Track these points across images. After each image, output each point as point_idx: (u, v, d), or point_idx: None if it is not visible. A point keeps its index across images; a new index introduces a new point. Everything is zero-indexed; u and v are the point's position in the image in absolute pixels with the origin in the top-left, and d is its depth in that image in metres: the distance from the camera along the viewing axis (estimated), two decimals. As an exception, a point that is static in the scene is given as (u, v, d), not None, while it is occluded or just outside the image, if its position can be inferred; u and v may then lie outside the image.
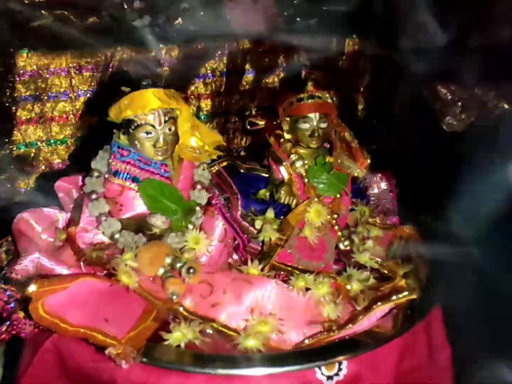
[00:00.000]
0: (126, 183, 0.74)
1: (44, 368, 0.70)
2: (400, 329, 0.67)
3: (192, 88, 1.55)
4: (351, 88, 1.77)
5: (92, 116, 1.43)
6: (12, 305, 0.70)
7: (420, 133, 1.66)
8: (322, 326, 0.68)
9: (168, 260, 0.71)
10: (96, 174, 0.76)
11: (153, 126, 0.73)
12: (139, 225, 0.74)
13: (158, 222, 0.72)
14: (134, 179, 0.74)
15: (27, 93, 1.35)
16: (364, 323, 0.66)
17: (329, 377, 0.64)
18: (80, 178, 0.83)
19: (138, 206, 0.75)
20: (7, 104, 1.34)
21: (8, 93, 1.33)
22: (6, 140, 1.35)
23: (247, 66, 1.63)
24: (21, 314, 0.66)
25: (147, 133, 0.73)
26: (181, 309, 0.68)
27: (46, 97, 1.37)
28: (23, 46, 1.33)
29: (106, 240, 0.75)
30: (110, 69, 1.43)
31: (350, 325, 0.65)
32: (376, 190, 0.96)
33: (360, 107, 1.78)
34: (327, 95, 0.84)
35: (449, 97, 1.60)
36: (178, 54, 1.50)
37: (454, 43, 1.73)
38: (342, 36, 1.73)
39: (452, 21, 1.69)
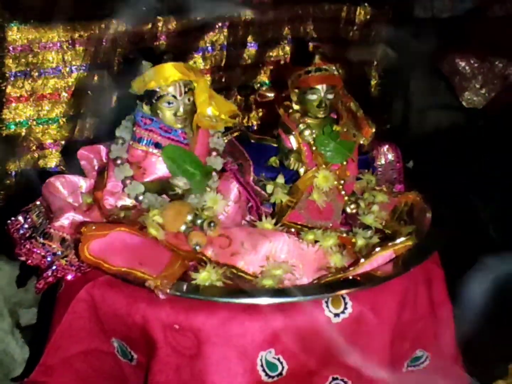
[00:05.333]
0: (149, 149, 1.07)
1: (78, 315, 1.02)
2: (398, 271, 0.99)
3: (191, 62, 1.87)
4: (363, 62, 2.10)
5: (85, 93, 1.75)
6: (49, 258, 1.02)
7: (438, 110, 2.00)
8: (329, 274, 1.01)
9: (189, 218, 1.03)
10: (120, 141, 1.08)
11: (174, 96, 1.05)
12: (161, 187, 1.07)
13: (180, 183, 1.05)
14: (157, 145, 1.07)
15: (18, 69, 1.66)
16: (366, 267, 0.99)
17: (336, 315, 0.96)
18: (101, 147, 1.16)
19: (160, 170, 1.07)
20: (-3, 81, 1.65)
21: (-3, 69, 1.65)
22: (-4, 119, 1.66)
23: (249, 39, 1.95)
24: (63, 262, 0.98)
25: (169, 103, 1.06)
26: (204, 258, 1.00)
27: (37, 73, 1.69)
28: (13, 19, 1.65)
29: (129, 203, 1.08)
30: (104, 43, 1.75)
31: (353, 267, 0.98)
32: (383, 161, 1.30)
33: (373, 82, 2.11)
34: (334, 68, 1.17)
35: (468, 70, 1.94)
36: (176, 26, 1.83)
37: (473, 11, 2.09)
38: (353, 4, 2.07)
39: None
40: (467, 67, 1.95)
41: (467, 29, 2.04)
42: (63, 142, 1.74)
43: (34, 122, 1.71)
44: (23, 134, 1.70)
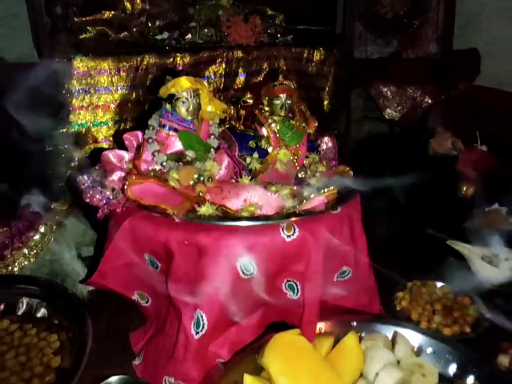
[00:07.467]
0: (170, 132, 1.26)
1: (123, 238, 1.20)
2: (328, 209, 1.19)
3: (199, 86, 2.06)
4: (319, 88, 2.31)
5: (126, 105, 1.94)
6: (104, 201, 1.21)
7: (369, 121, 2.21)
8: (285, 212, 1.20)
9: (196, 176, 1.22)
10: (151, 127, 1.27)
11: (187, 98, 1.24)
12: (177, 157, 1.26)
13: (190, 154, 1.24)
14: (175, 130, 1.26)
15: (80, 87, 1.87)
16: (308, 206, 1.18)
17: (288, 236, 1.15)
18: (138, 132, 1.35)
19: (177, 146, 1.26)
20: (66, 95, 1.85)
21: (66, 87, 1.84)
22: (65, 121, 1.85)
23: (240, 70, 2.17)
24: (114, 201, 1.17)
25: (183, 102, 1.25)
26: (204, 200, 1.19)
27: (93, 91, 1.89)
28: (78, 53, 1.85)
29: (157, 168, 1.26)
30: (140, 71, 1.95)
31: (299, 206, 1.17)
32: (324, 147, 1.49)
33: (325, 102, 2.32)
34: (291, 83, 1.37)
35: (389, 94, 2.15)
36: (189, 60, 2.03)
37: (394, 54, 2.32)
38: (311, 48, 2.29)
39: (392, 39, 2.26)
40: (388, 92, 2.16)
41: (389, 66, 2.26)
42: (111, 139, 1.93)
43: (91, 124, 1.91)
44: (83, 132, 1.89)
